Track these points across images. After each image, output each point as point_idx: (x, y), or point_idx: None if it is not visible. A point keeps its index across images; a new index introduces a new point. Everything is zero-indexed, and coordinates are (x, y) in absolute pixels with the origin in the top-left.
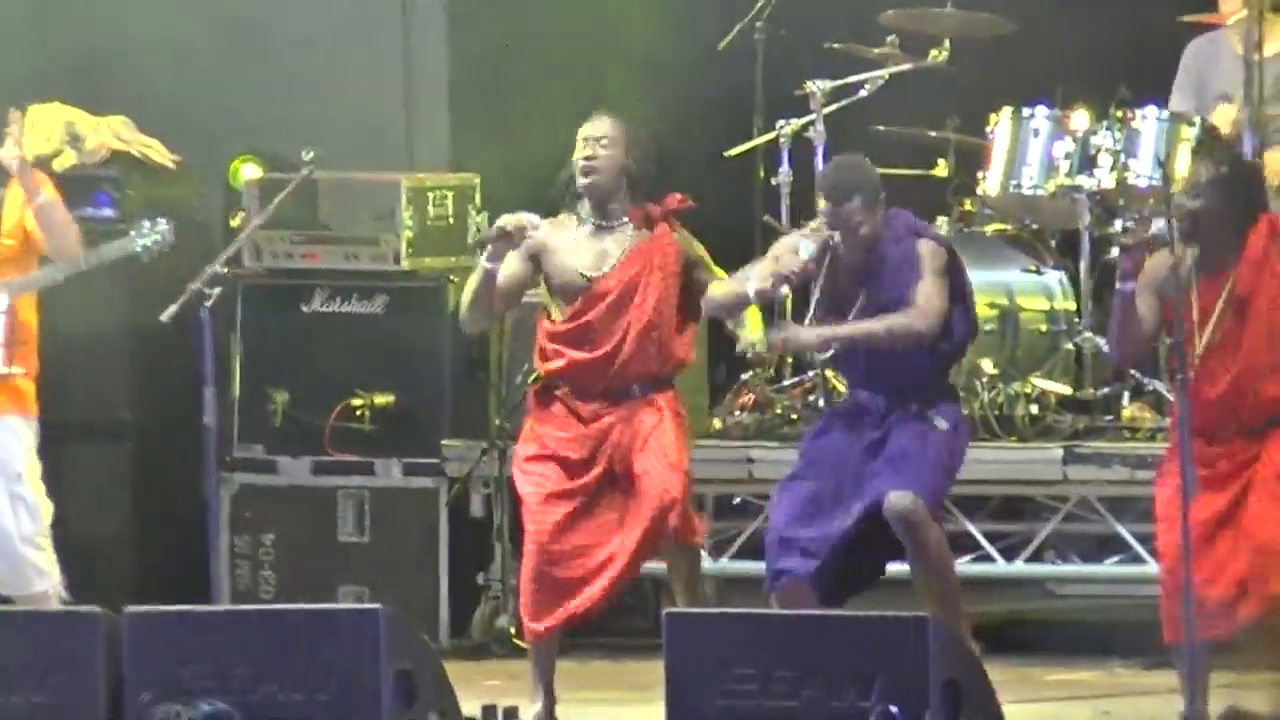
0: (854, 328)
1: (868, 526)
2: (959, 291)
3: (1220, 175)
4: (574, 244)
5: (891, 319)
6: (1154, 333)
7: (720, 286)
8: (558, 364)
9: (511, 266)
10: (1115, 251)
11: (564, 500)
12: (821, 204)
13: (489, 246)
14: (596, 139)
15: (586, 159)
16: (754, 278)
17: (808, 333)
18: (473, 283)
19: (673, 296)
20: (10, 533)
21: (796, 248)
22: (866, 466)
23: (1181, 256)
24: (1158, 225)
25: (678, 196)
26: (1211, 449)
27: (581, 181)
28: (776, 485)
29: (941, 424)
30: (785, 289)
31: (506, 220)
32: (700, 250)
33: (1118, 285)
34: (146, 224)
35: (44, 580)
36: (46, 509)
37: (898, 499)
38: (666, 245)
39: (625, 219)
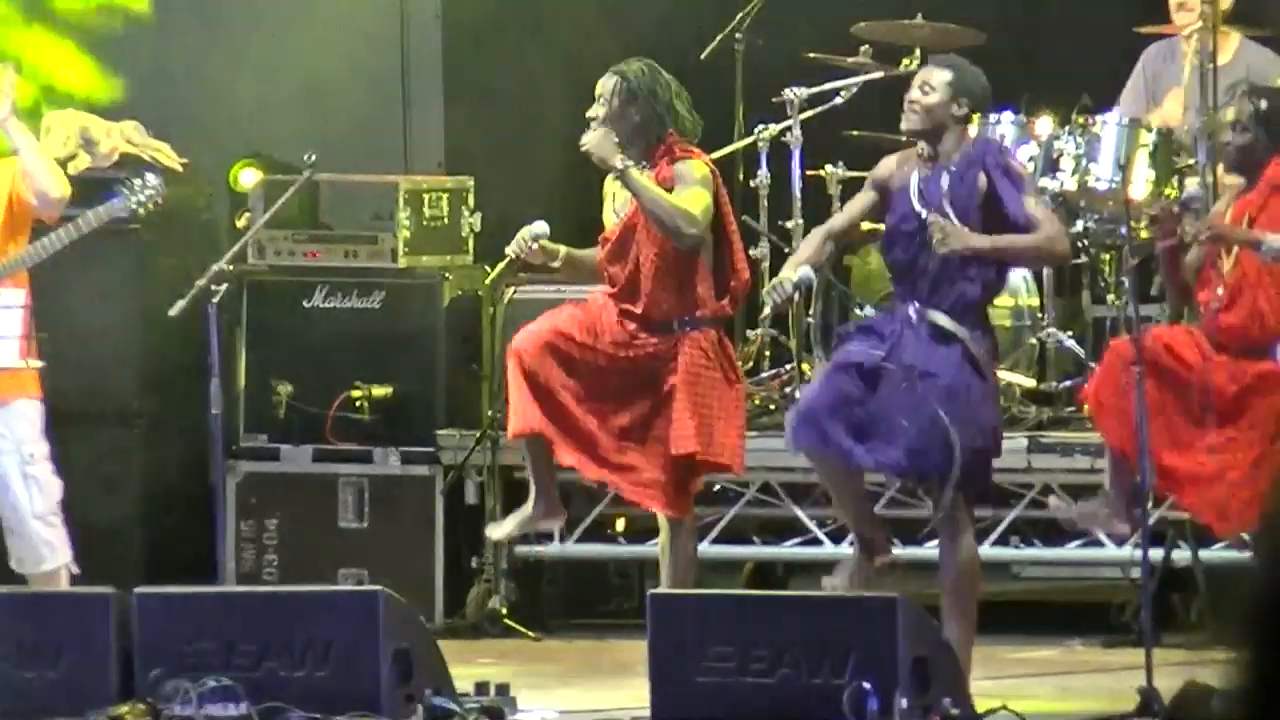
0: (1004, 241)
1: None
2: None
3: (1260, 110)
4: (615, 193)
5: (1033, 239)
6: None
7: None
8: (612, 294)
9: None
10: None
11: (564, 340)
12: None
13: (511, 272)
14: (597, 97)
15: (589, 118)
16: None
17: (975, 238)
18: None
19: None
20: (25, 511)
21: (798, 272)
22: (905, 405)
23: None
24: (1188, 191)
25: (672, 142)
26: (1218, 359)
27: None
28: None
29: (978, 353)
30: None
31: (510, 249)
32: (684, 170)
33: (1158, 250)
34: (137, 181)
35: (56, 557)
36: (56, 487)
37: (947, 502)
38: (662, 177)
39: (644, 161)
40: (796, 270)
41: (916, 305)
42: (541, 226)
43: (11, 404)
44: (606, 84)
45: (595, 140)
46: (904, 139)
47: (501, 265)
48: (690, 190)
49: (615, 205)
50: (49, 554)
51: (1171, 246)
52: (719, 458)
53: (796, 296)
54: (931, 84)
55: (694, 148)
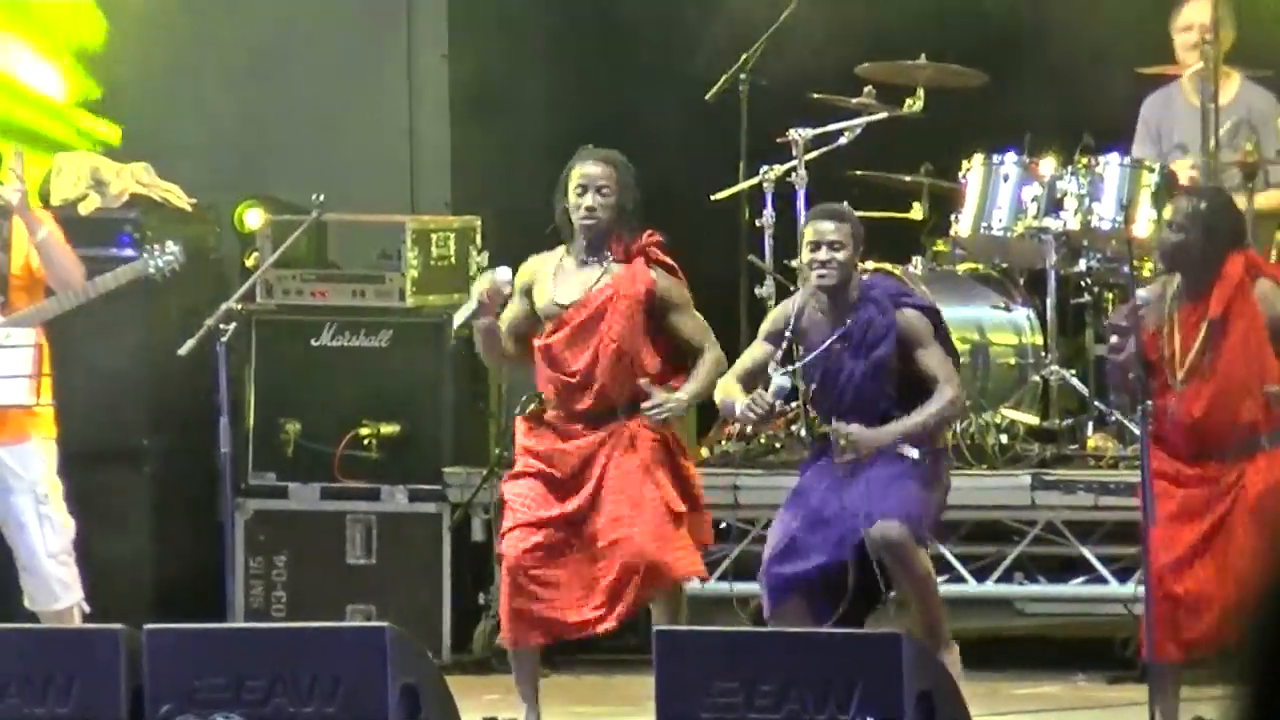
0: (910, 423)
1: (860, 558)
2: (945, 344)
3: (1199, 210)
4: (558, 274)
5: (935, 407)
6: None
7: (718, 393)
8: (548, 387)
9: (512, 309)
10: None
11: (538, 529)
12: (809, 229)
13: (483, 310)
14: (597, 187)
15: (589, 208)
16: (739, 405)
17: (869, 439)
18: (477, 340)
19: (640, 324)
20: (39, 550)
21: (772, 381)
22: (845, 498)
23: (1138, 300)
24: (1140, 296)
25: (649, 233)
26: (1191, 472)
27: (584, 224)
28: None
29: (910, 452)
30: (753, 422)
31: (478, 292)
32: (677, 294)
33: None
34: (158, 247)
35: (69, 595)
36: (69, 527)
37: (880, 529)
38: (638, 275)
39: (608, 253)
40: (772, 384)
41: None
42: (506, 273)
43: (25, 443)
44: (603, 172)
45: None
46: (908, 181)
47: (468, 311)
48: (691, 316)
49: (553, 289)
50: (62, 592)
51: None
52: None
53: (778, 406)
54: (840, 240)
55: (659, 246)
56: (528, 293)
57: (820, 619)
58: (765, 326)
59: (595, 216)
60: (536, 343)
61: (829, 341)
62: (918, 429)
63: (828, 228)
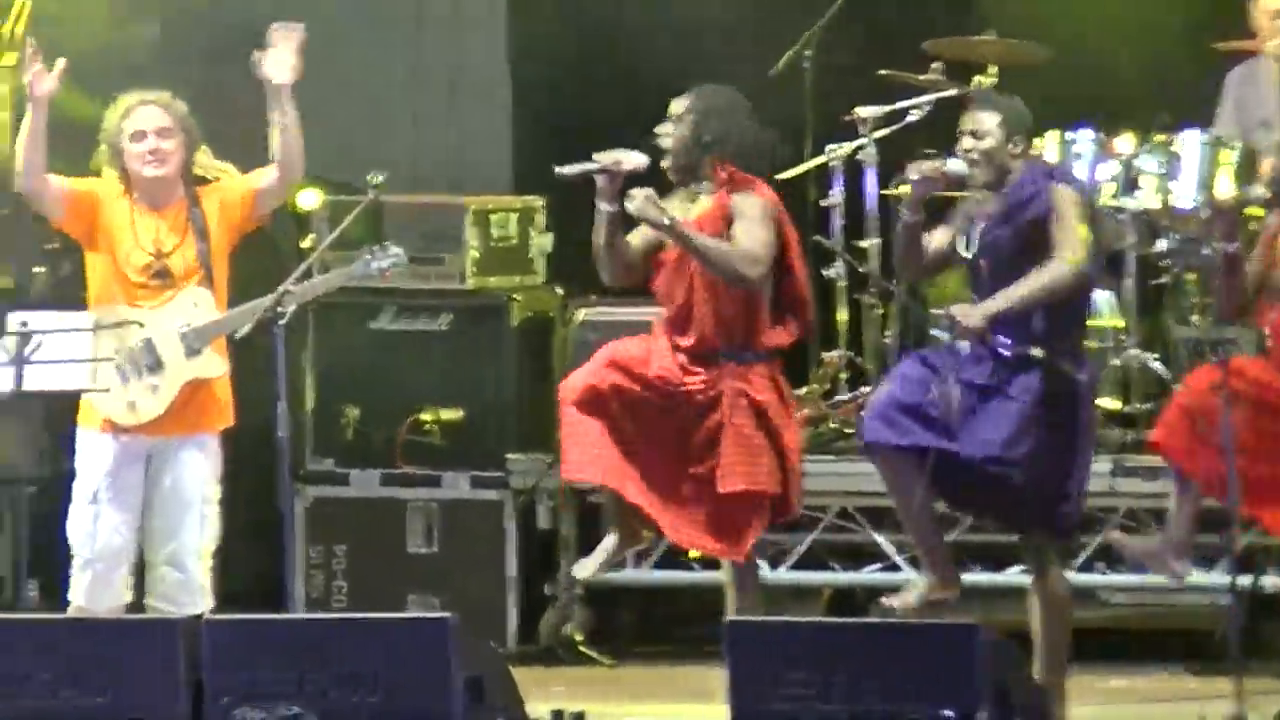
0: (1014, 295)
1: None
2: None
3: None
4: (676, 212)
5: (1044, 275)
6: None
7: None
8: (665, 318)
9: (644, 232)
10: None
11: (627, 378)
12: (965, 118)
13: (598, 189)
14: (674, 117)
15: (664, 138)
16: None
17: (975, 315)
18: (596, 235)
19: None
20: (192, 550)
21: (937, 164)
22: (982, 416)
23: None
24: (953, 164)
25: (733, 170)
26: None
27: (663, 164)
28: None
29: (1070, 368)
30: (915, 178)
31: (599, 156)
32: (744, 204)
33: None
34: (379, 248)
35: (207, 599)
36: (218, 531)
37: (1030, 540)
38: (721, 204)
39: (706, 183)
40: (950, 162)
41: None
42: (641, 158)
43: (210, 438)
44: (681, 102)
45: (639, 206)
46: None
47: (578, 167)
48: (750, 226)
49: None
50: (202, 597)
51: (1233, 252)
52: (766, 487)
53: (946, 178)
54: (985, 129)
55: (755, 178)
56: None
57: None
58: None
59: (665, 145)
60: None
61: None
62: (1020, 302)
63: (974, 116)
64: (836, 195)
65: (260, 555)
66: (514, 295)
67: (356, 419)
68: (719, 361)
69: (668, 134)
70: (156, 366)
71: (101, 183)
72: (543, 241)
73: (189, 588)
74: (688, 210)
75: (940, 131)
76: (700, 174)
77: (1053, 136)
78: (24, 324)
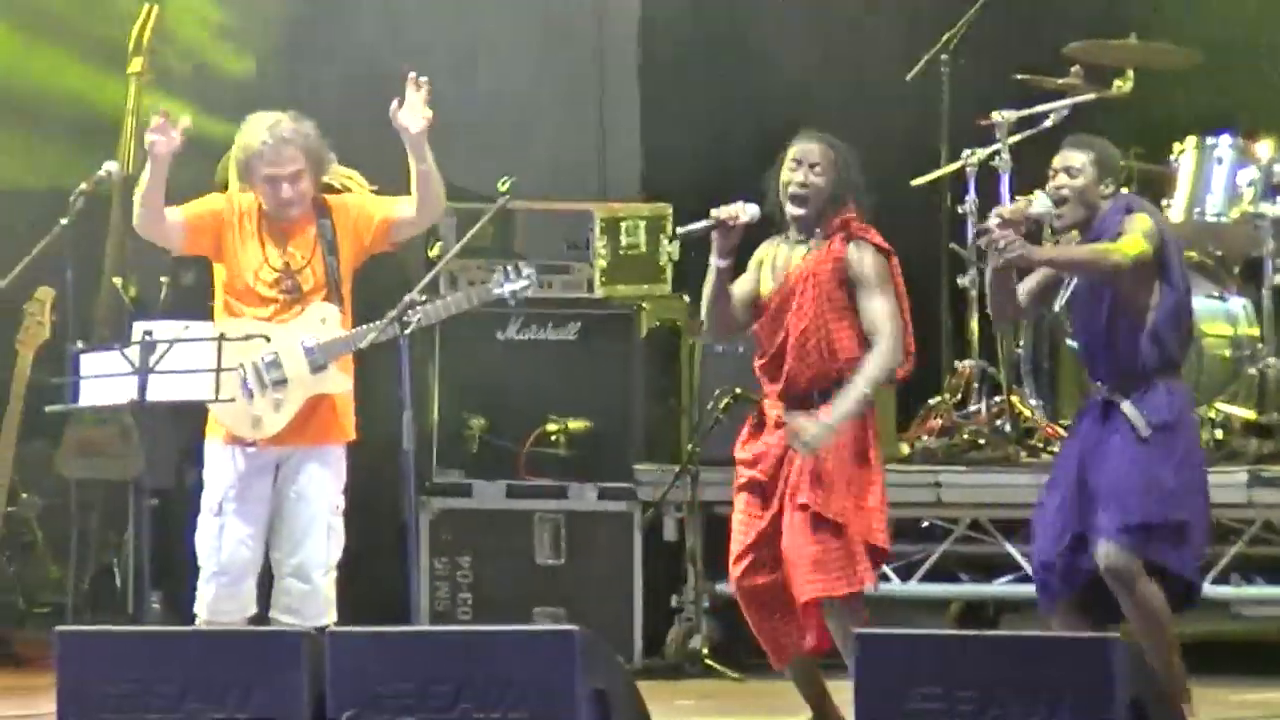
0: (1059, 251)
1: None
2: (1164, 274)
3: None
4: (775, 258)
5: (1098, 252)
6: None
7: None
8: (758, 364)
9: (745, 281)
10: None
11: (752, 550)
12: (1057, 157)
13: (715, 245)
14: (810, 164)
15: (799, 184)
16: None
17: (1029, 249)
18: (707, 287)
19: (832, 303)
20: (318, 562)
21: (1022, 204)
22: (1088, 482)
23: None
24: (1038, 205)
25: (850, 218)
26: None
27: (792, 211)
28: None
29: (1145, 430)
30: (993, 225)
31: (720, 211)
32: (870, 269)
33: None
34: (511, 269)
35: (332, 612)
36: (342, 542)
37: (1104, 555)
38: (834, 254)
39: (819, 232)
40: (1037, 200)
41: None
42: (755, 209)
43: (334, 450)
44: (819, 150)
45: (816, 440)
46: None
47: (699, 226)
48: (877, 296)
49: (771, 271)
50: (327, 608)
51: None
52: (839, 516)
53: (1031, 221)
54: (1077, 166)
55: (868, 226)
56: (759, 265)
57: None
58: None
59: (805, 199)
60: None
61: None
62: (1061, 257)
63: (1066, 154)
64: (971, 202)
65: (385, 567)
66: (642, 304)
67: (483, 430)
68: (808, 402)
69: (804, 181)
70: (281, 382)
71: (222, 198)
72: (671, 249)
73: (314, 600)
74: (789, 254)
75: None
76: (823, 223)
77: (1192, 142)
78: (148, 333)
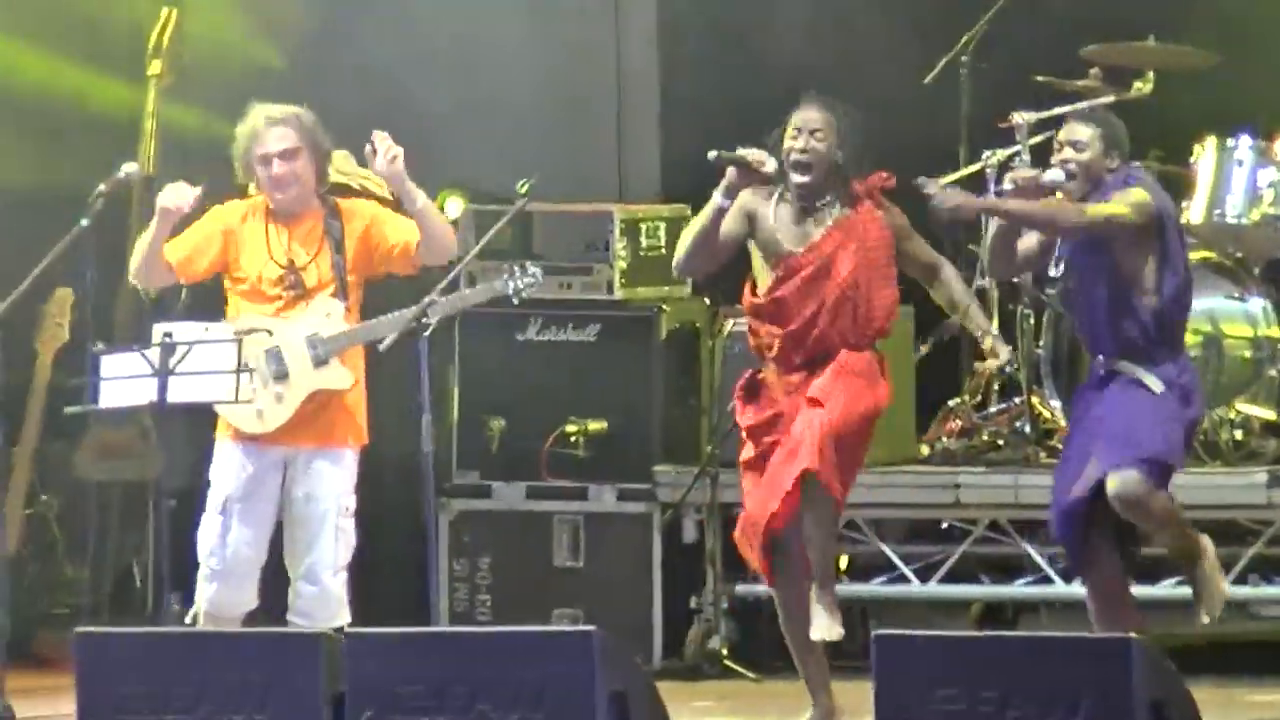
0: (1015, 204)
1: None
2: (1163, 250)
3: None
4: (781, 224)
5: (1056, 206)
6: None
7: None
8: (766, 340)
9: (732, 223)
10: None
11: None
12: (1063, 130)
13: (726, 182)
14: (810, 130)
15: (800, 151)
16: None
17: (958, 198)
18: (700, 219)
19: (875, 267)
20: (327, 563)
21: (1036, 172)
22: (1090, 437)
23: None
24: (1050, 174)
25: (882, 175)
26: None
27: (796, 178)
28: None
29: (1155, 384)
30: (1008, 187)
31: (747, 151)
32: (902, 221)
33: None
34: (519, 268)
35: (345, 613)
36: (354, 543)
37: (1112, 483)
38: (868, 219)
39: (831, 199)
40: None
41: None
42: (775, 164)
43: (343, 451)
44: (819, 117)
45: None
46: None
47: (732, 155)
48: (918, 237)
49: (787, 237)
50: (339, 609)
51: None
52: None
53: (1045, 185)
54: (1084, 140)
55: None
56: (749, 218)
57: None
58: None
59: (808, 165)
60: (759, 296)
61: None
62: (1016, 210)
63: (1072, 127)
64: None
65: (404, 568)
66: (662, 305)
67: (502, 431)
68: (828, 358)
69: (804, 147)
70: (282, 375)
71: (217, 213)
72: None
73: (324, 602)
74: (808, 228)
75: None
76: (828, 189)
77: (1212, 143)
78: (168, 335)
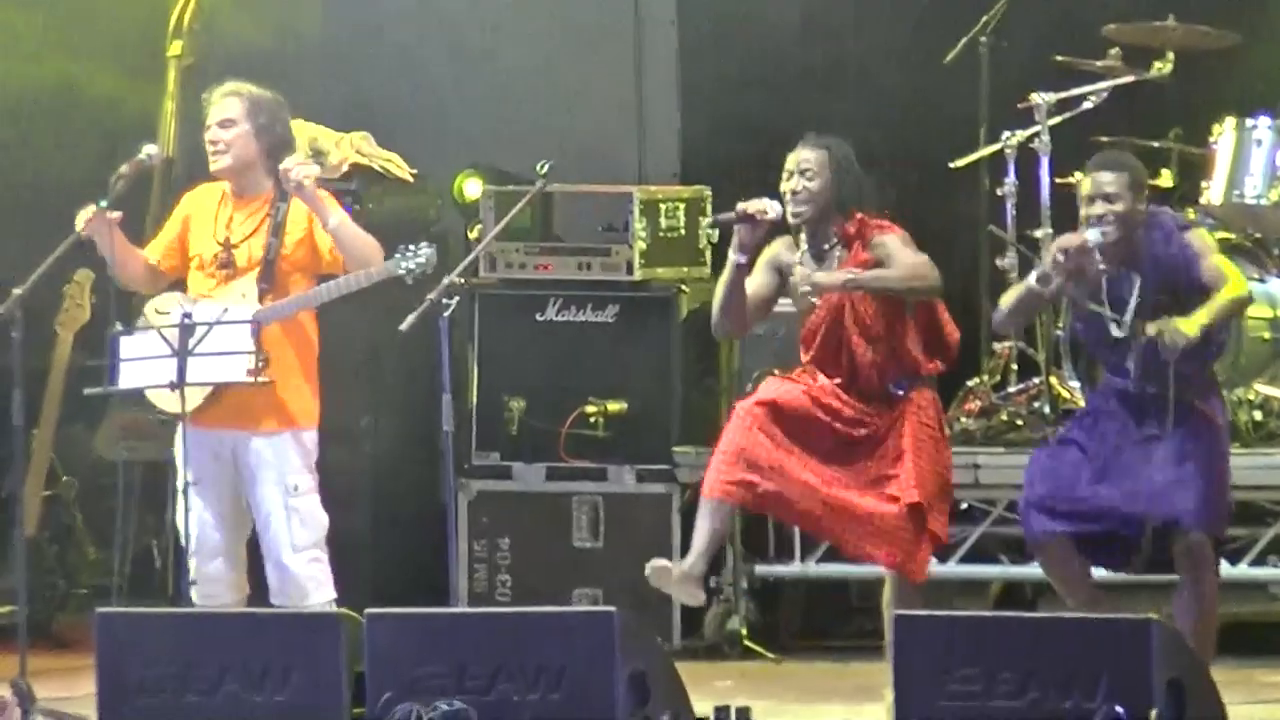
0: (1215, 308)
1: (1140, 528)
2: None
3: None
4: (799, 273)
5: (1223, 296)
6: None
7: (1007, 295)
8: (835, 383)
9: (758, 279)
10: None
11: (784, 420)
12: (1086, 182)
13: (737, 239)
14: (801, 170)
15: (793, 193)
16: (1035, 273)
17: (1186, 323)
18: (722, 282)
19: (886, 302)
20: (284, 544)
21: (1082, 239)
22: (1146, 463)
23: None
24: (1091, 235)
25: (862, 221)
26: None
27: (792, 210)
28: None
29: (1218, 418)
30: (1058, 280)
31: (747, 204)
32: (894, 240)
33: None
34: (411, 248)
35: (321, 592)
36: (321, 521)
37: (1195, 538)
38: (861, 265)
39: (836, 240)
40: (1090, 231)
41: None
42: (778, 206)
43: (281, 434)
44: (812, 157)
45: (824, 286)
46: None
47: (729, 214)
48: (906, 255)
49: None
50: (313, 590)
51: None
52: (933, 522)
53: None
54: (1115, 191)
55: (883, 220)
56: (778, 270)
57: (1086, 562)
58: None
59: (799, 202)
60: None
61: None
62: (1222, 315)
63: (1105, 178)
64: (1010, 184)
65: (423, 549)
66: (682, 286)
67: (522, 412)
68: (888, 398)
69: (795, 188)
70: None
71: (187, 196)
72: (710, 232)
73: (290, 582)
74: (818, 264)
75: (1116, 119)
76: (828, 227)
77: (1231, 124)
78: (187, 316)
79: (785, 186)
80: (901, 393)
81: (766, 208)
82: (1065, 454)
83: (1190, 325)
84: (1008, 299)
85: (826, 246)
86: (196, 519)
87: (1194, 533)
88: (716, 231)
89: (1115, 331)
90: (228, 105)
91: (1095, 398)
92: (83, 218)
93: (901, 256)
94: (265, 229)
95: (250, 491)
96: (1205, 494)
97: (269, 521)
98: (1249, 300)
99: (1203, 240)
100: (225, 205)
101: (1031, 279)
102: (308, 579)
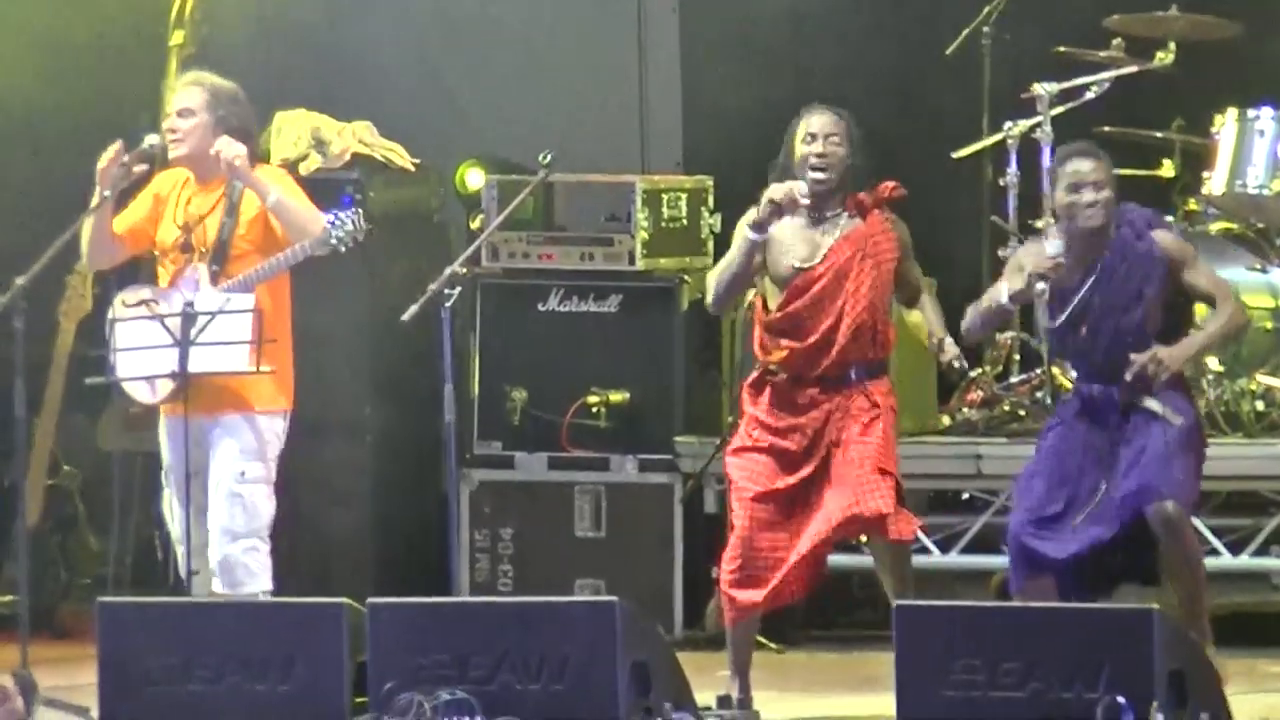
0: (1209, 335)
1: (1119, 531)
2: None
3: None
4: (790, 235)
5: (1221, 320)
6: None
7: (972, 309)
8: (779, 355)
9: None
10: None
11: (771, 501)
12: (1065, 174)
13: (756, 219)
14: (826, 135)
15: (819, 156)
16: (1004, 288)
17: (1183, 350)
18: (732, 257)
19: (888, 283)
20: (226, 530)
21: (1042, 249)
22: (1112, 471)
23: None
24: (1051, 247)
25: (890, 185)
26: None
27: (814, 177)
28: (1014, 483)
29: (1178, 420)
30: (1041, 286)
31: (775, 192)
32: (908, 240)
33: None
34: (339, 217)
35: (254, 582)
36: (266, 511)
37: (1161, 508)
38: (880, 233)
39: (840, 209)
40: (1049, 246)
41: (1096, 388)
42: (804, 186)
43: (234, 417)
44: (833, 123)
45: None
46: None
47: (765, 209)
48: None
49: (794, 250)
50: (246, 578)
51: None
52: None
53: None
54: (1102, 179)
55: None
56: (762, 247)
57: (1069, 596)
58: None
59: (827, 167)
60: (771, 313)
61: (1088, 284)
62: (1215, 341)
63: (1087, 166)
64: (1012, 174)
65: (425, 539)
66: (684, 276)
67: (524, 402)
68: (848, 380)
69: (821, 151)
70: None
71: (159, 178)
72: (713, 221)
73: (229, 569)
74: (819, 238)
75: (1118, 110)
76: (836, 195)
77: (1233, 114)
78: (189, 305)
79: (809, 149)
80: (864, 378)
81: (796, 193)
82: (1037, 486)
83: (1175, 361)
84: (977, 309)
85: (830, 215)
86: (178, 509)
87: (1169, 501)
88: (719, 221)
89: (1045, 321)
90: (188, 95)
91: (1063, 408)
92: (106, 157)
93: (915, 271)
94: (220, 208)
95: (206, 477)
96: (1175, 470)
97: (216, 507)
98: (1248, 326)
99: (1180, 245)
100: (186, 190)
101: (1003, 294)
102: (241, 567)
